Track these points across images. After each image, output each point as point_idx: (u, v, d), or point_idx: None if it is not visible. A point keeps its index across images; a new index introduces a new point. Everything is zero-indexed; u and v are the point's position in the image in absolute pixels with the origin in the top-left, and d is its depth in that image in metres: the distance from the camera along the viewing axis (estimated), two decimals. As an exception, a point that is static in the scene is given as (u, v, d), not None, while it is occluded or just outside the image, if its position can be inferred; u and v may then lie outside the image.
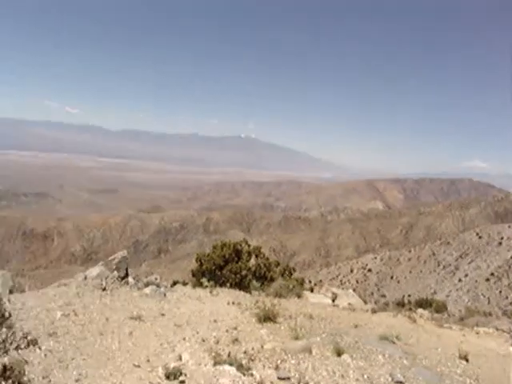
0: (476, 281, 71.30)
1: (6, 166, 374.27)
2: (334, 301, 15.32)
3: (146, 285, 11.58)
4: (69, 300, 9.25)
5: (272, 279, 16.15)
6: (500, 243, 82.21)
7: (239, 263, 15.36)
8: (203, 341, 7.82)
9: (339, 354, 7.68)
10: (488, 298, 65.21)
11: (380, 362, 7.67)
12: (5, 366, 4.49)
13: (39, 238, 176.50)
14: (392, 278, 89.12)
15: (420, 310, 17.18)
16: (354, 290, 22.26)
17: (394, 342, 8.98)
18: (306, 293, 15.37)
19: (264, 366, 6.87)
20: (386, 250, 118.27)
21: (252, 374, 6.41)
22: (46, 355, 6.26)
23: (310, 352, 7.63)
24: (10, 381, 4.50)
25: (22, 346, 5.72)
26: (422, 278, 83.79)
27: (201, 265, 15.99)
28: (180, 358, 6.93)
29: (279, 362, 7.11)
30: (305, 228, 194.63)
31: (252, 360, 7.07)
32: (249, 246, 16.69)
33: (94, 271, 11.29)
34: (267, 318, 9.50)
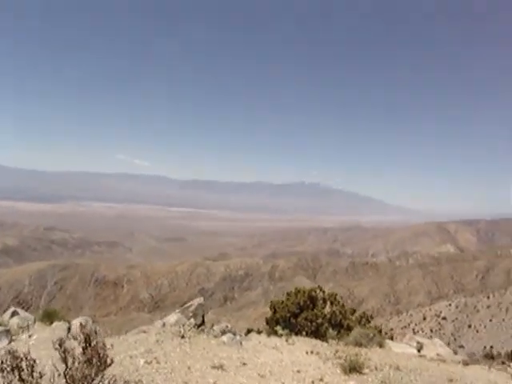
0: None
1: (81, 217, 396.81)
2: (419, 350, 14.30)
3: (223, 332, 11.41)
4: (149, 347, 9.24)
5: (349, 327, 15.47)
6: None
7: (314, 310, 14.88)
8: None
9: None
10: None
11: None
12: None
13: (110, 285, 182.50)
14: (470, 326, 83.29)
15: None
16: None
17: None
18: (388, 342, 14.51)
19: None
20: (461, 296, 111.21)
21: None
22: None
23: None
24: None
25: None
26: (506, 328, 77.52)
27: (275, 312, 15.66)
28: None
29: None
30: (372, 274, 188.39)
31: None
32: (323, 292, 16.20)
33: (171, 318, 11.29)
34: (353, 368, 8.99)
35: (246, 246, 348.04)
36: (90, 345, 5.20)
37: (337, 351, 10.48)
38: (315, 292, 15.90)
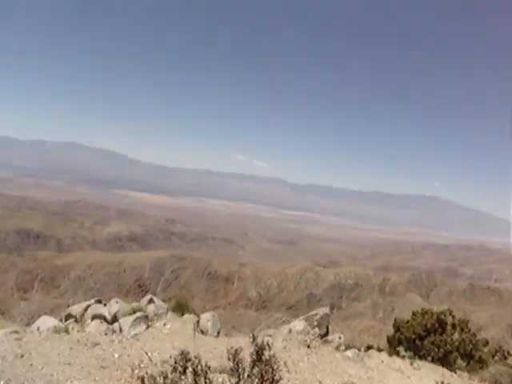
0: None
1: (200, 212, 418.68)
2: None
3: (347, 347, 11.09)
4: (277, 353, 9.25)
5: (480, 360, 14.17)
6: None
7: (443, 336, 13.84)
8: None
9: None
10: None
11: None
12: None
13: (221, 279, 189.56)
14: None
15: None
16: None
17: None
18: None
19: None
20: None
21: None
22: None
23: None
24: None
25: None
26: None
27: (397, 331, 14.88)
28: None
29: None
30: (494, 301, 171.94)
31: None
32: (453, 317, 15.03)
33: (298, 325, 11.24)
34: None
35: (357, 255, 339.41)
36: (260, 359, 5.22)
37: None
38: (444, 315, 14.81)
